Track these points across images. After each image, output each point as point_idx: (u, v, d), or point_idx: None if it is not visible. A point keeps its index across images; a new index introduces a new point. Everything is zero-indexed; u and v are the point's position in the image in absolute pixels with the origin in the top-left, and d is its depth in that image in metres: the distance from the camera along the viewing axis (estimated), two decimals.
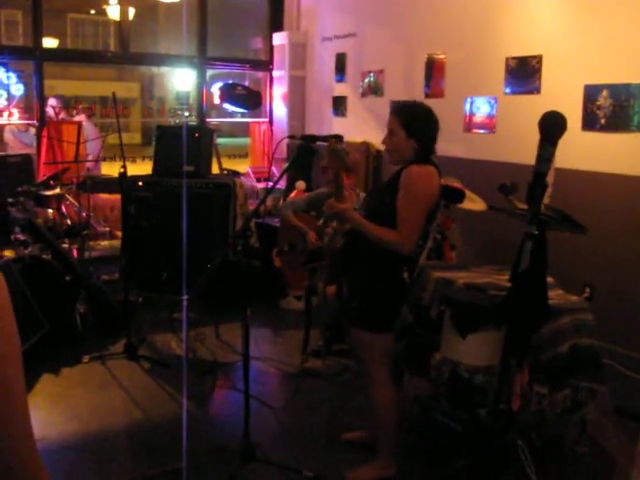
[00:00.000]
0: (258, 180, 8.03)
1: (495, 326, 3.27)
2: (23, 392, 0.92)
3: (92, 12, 19.31)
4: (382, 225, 3.15)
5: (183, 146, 5.18)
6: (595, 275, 5.06)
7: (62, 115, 7.43)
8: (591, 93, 5.06)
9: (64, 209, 6.37)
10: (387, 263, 3.23)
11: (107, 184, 6.62)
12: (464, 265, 4.35)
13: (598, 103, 5.01)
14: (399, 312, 3.35)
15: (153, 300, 5.84)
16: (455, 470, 3.33)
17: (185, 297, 4.96)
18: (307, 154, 7.36)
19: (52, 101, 7.47)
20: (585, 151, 5.05)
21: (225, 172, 7.01)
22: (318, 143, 3.45)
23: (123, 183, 5.01)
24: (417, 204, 3.13)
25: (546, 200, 2.91)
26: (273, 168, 7.86)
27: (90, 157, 7.22)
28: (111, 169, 7.05)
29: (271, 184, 4.28)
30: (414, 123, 3.19)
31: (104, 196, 7.24)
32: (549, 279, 3.37)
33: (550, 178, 2.56)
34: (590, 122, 5.07)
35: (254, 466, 3.40)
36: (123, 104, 8.42)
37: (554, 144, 2.16)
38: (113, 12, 8.49)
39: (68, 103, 7.65)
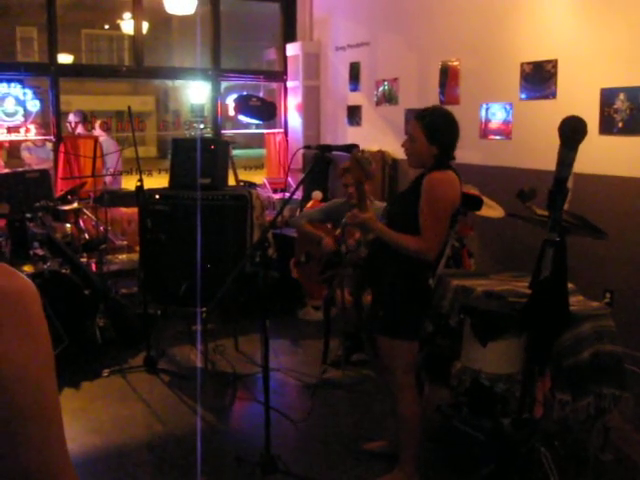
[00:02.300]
0: (274, 191, 8.04)
1: (515, 334, 3.25)
2: (59, 408, 0.93)
3: (106, 27, 19.47)
4: (405, 232, 3.15)
5: (198, 159, 5.20)
6: (616, 280, 5.01)
7: (79, 130, 7.48)
8: (608, 97, 5.02)
9: (82, 223, 6.41)
10: (412, 271, 3.22)
11: (124, 198, 6.65)
12: (483, 272, 4.32)
13: (615, 107, 4.98)
14: (423, 319, 3.34)
15: (172, 313, 5.86)
16: (478, 479, 3.30)
17: (203, 309, 4.96)
18: (323, 164, 7.37)
19: (71, 117, 7.53)
20: (603, 155, 5.00)
21: (241, 184, 7.03)
22: (334, 153, 3.46)
23: (140, 197, 5.03)
24: (440, 210, 3.13)
25: (565, 206, 2.89)
26: (289, 179, 7.87)
27: (110, 171, 7.26)
28: (128, 183, 7.09)
29: (288, 195, 4.27)
30: (435, 130, 3.19)
31: (121, 210, 7.28)
32: (569, 285, 3.35)
33: (569, 183, 2.54)
34: (607, 126, 5.03)
35: (275, 478, 3.39)
36: (138, 118, 8.45)
37: (575, 149, 2.14)
38: (127, 27, 8.57)
39: (86, 118, 7.69)
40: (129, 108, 5.42)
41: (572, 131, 2.19)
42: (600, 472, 3.58)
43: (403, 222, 3.20)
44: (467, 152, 6.23)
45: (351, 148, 3.43)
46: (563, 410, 3.39)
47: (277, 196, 7.83)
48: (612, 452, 3.69)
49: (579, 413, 3.42)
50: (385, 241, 3.21)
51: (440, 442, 3.92)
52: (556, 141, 2.55)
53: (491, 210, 4.76)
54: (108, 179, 7.03)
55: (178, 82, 9.56)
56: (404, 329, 3.26)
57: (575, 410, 3.40)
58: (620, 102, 4.94)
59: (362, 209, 3.28)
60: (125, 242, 7.17)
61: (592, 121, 5.06)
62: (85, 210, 6.45)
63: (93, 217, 6.45)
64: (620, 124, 4.96)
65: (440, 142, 3.18)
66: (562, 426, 3.48)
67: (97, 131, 7.72)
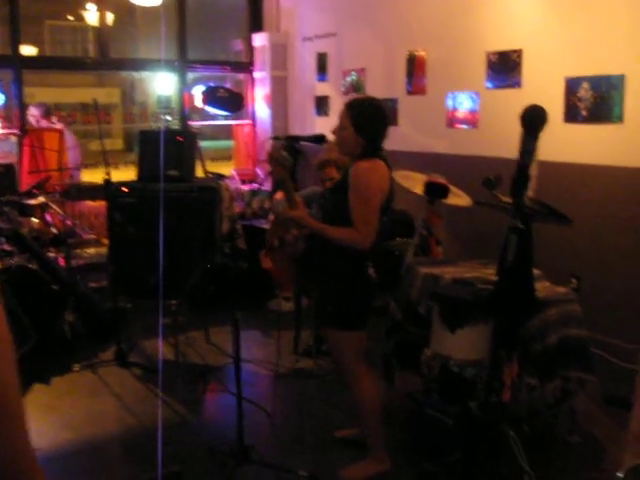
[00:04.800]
0: (243, 182, 8.02)
1: (484, 320, 3.30)
2: (19, 398, 0.92)
3: (70, 18, 19.18)
4: (340, 224, 3.19)
5: (164, 151, 5.17)
6: (581, 266, 5.09)
7: (43, 123, 7.38)
8: (572, 85, 5.09)
9: (49, 218, 6.33)
10: (351, 261, 3.27)
11: (91, 191, 6.58)
12: (451, 260, 4.38)
13: (579, 95, 5.05)
14: (369, 308, 3.38)
15: (142, 306, 5.82)
16: (448, 463, 3.35)
17: (172, 302, 4.95)
18: (291, 155, 7.35)
19: (32, 110, 7.42)
20: (567, 143, 5.08)
21: (210, 175, 7.00)
22: (302, 143, 3.48)
23: (107, 190, 4.99)
24: (368, 199, 3.18)
25: (531, 193, 2.94)
26: (258, 170, 7.86)
27: (69, 166, 7.17)
28: (94, 176, 7.01)
29: (257, 186, 4.30)
30: (362, 120, 3.25)
31: (88, 203, 7.20)
32: (536, 271, 3.40)
33: (533, 171, 2.58)
34: (572, 114, 5.10)
35: (249, 468, 3.41)
36: (104, 110, 8.37)
37: (536, 137, 2.19)
38: (91, 18, 8.45)
39: (49, 111, 7.59)
40: (95, 101, 5.36)
41: (533, 119, 2.24)
42: (567, 454, 3.66)
43: (336, 214, 3.25)
44: (434, 141, 6.30)
45: (320, 138, 3.46)
46: (531, 394, 3.45)
47: (246, 187, 7.82)
48: (579, 434, 3.76)
49: (546, 396, 3.49)
50: (319, 235, 3.25)
51: (411, 429, 3.97)
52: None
53: (458, 198, 4.80)
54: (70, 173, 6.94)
55: (144, 74, 9.47)
56: (348, 320, 3.31)
57: (542, 394, 3.47)
58: (584, 91, 5.01)
59: (291, 206, 3.34)
60: (93, 236, 7.10)
61: (557, 110, 5.13)
62: (51, 204, 6.37)
63: (60, 211, 6.39)
64: (584, 112, 5.03)
65: (366, 133, 3.24)
66: (530, 410, 3.54)
67: (57, 124, 7.61)
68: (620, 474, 0.81)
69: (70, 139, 7.53)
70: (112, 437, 3.96)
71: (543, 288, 3.63)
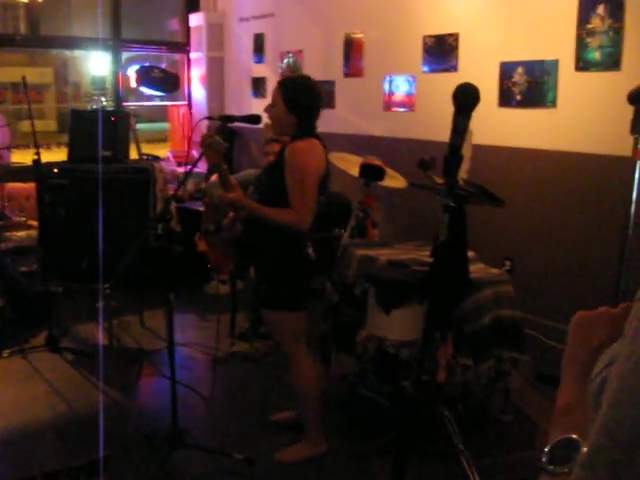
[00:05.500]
0: (179, 164, 7.90)
1: (418, 301, 3.32)
2: None
3: None
4: (276, 205, 3.17)
5: (99, 131, 5.04)
6: (515, 248, 5.18)
7: None
8: (507, 70, 5.15)
9: None
10: (289, 241, 3.26)
11: (21, 172, 6.38)
12: (386, 242, 4.40)
13: (514, 80, 5.11)
14: (308, 288, 3.37)
15: (74, 290, 5.69)
16: (383, 444, 3.38)
17: (105, 286, 4.84)
18: (226, 135, 7.27)
19: None
20: (502, 127, 5.14)
21: (144, 157, 6.87)
22: (238, 125, 3.43)
23: (37, 171, 4.85)
24: (304, 179, 3.16)
25: (465, 175, 2.96)
26: (193, 151, 7.74)
27: None
28: (24, 158, 6.79)
29: (190, 167, 4.24)
30: (294, 98, 3.23)
31: (18, 185, 6.98)
32: (470, 253, 3.44)
33: (468, 153, 2.60)
34: (506, 99, 5.16)
35: (184, 452, 3.36)
36: (36, 89, 8.09)
37: (468, 116, 2.19)
38: None
39: None
40: (24, 79, 5.18)
41: (465, 97, 2.25)
42: (501, 432, 3.73)
43: (273, 195, 3.22)
44: (371, 124, 6.30)
45: (254, 118, 3.41)
46: (465, 374, 3.50)
47: (182, 169, 7.69)
48: (512, 413, 3.84)
49: (480, 376, 3.55)
50: (257, 217, 3.22)
51: (348, 410, 3.98)
52: None
53: (394, 180, 4.82)
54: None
55: (78, 53, 9.22)
56: (286, 300, 3.30)
57: (477, 374, 3.52)
58: (518, 76, 5.08)
59: (227, 189, 3.31)
60: (24, 218, 6.89)
61: (492, 94, 5.18)
62: None
63: None
64: (518, 97, 5.10)
65: (298, 111, 3.22)
66: (464, 390, 3.59)
67: None
68: (547, 449, 0.82)
69: None
70: (42, 424, 3.86)
71: (477, 270, 3.68)
